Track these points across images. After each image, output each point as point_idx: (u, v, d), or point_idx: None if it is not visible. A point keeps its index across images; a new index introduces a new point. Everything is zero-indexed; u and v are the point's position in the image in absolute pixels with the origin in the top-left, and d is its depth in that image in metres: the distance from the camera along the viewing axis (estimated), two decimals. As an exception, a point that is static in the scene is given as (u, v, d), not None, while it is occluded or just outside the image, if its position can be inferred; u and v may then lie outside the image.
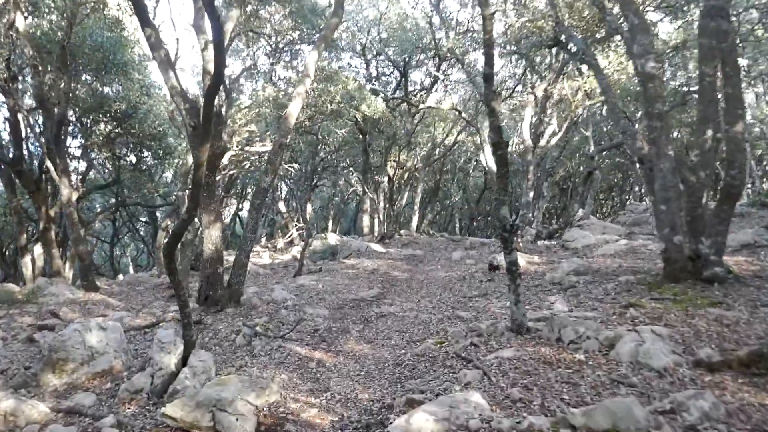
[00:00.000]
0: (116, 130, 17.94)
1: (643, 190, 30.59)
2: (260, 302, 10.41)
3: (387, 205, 25.19)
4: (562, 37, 11.75)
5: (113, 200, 25.87)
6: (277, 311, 9.77)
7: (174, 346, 6.32)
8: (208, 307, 10.10)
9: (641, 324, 6.37)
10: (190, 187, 6.17)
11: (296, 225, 25.55)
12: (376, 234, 24.27)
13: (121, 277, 20.22)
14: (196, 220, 21.90)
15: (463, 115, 15.31)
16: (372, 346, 7.89)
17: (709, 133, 8.30)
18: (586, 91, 15.07)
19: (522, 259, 12.17)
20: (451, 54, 17.81)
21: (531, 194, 15.00)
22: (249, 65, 17.69)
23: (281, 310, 9.85)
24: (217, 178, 19.60)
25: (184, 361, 6.21)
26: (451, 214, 42.02)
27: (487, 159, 14.49)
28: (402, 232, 27.33)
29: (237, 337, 8.26)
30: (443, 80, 21.88)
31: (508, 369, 5.49)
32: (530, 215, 15.29)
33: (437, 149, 27.98)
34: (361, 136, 24.50)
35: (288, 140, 10.90)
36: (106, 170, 24.59)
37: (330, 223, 37.93)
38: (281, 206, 26.61)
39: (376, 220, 25.67)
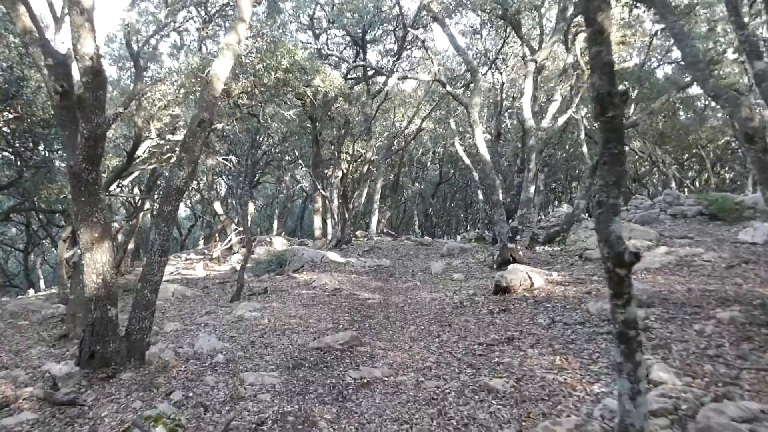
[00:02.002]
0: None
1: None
2: (175, 359, 6.90)
3: (342, 204, 21.78)
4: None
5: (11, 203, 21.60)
6: (200, 378, 6.30)
7: None
8: (94, 370, 6.54)
9: None
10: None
11: (235, 229, 21.86)
12: (329, 238, 20.86)
13: (6, 299, 16.17)
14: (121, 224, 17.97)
15: (448, 88, 12.12)
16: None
17: None
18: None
19: (537, 277, 9.05)
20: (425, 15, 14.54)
21: (532, 189, 11.91)
22: (165, 24, 13.94)
23: (206, 375, 6.38)
24: (132, 174, 15.83)
25: None
26: (407, 212, 38.90)
27: (479, 144, 11.28)
28: (359, 234, 24.04)
29: (123, 445, 4.81)
30: (410, 55, 18.49)
31: None
32: (532, 215, 12.19)
33: (397, 139, 24.73)
34: (310, 124, 20.99)
35: (213, 116, 7.39)
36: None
37: (275, 223, 34.26)
38: (217, 207, 22.81)
39: (329, 222, 22.24)
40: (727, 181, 30.34)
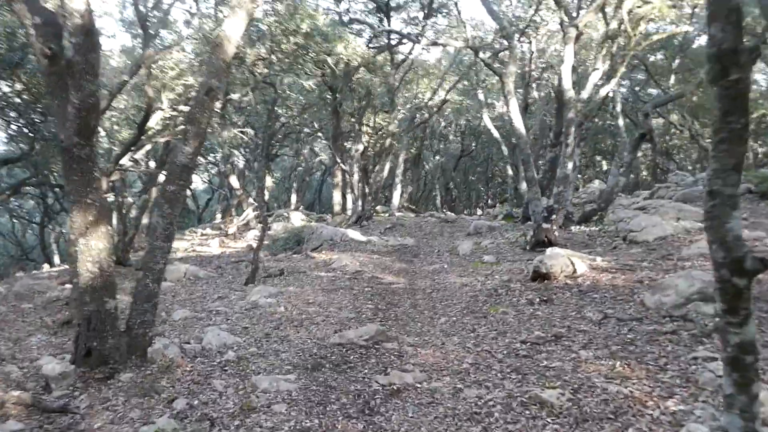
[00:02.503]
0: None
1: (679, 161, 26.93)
2: (181, 357, 6.20)
3: (362, 179, 20.95)
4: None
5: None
6: (207, 381, 5.58)
7: None
8: (91, 368, 5.87)
9: None
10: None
11: (252, 204, 21.17)
12: (349, 213, 20.08)
13: (20, 274, 15.69)
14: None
15: (481, 55, 11.19)
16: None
17: None
18: (652, 17, 11.01)
19: (580, 262, 8.21)
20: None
21: (570, 165, 10.97)
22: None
23: (214, 378, 5.66)
24: (146, 147, 15.11)
25: None
26: (427, 186, 37.94)
27: (514, 117, 10.36)
28: (380, 209, 23.27)
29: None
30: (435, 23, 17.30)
31: None
32: (568, 194, 11.25)
33: (420, 111, 23.72)
34: (330, 95, 20.08)
35: (223, 84, 6.56)
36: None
37: (293, 196, 33.57)
38: (233, 181, 22.05)
39: (349, 197, 21.44)
40: (760, 155, 28.95)
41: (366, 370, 5.77)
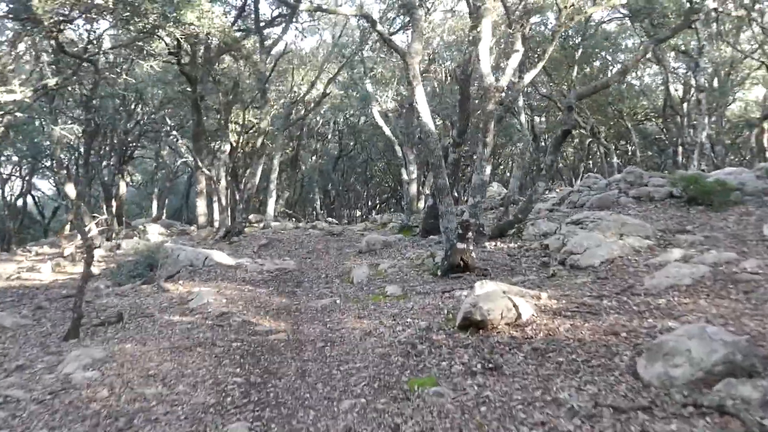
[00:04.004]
0: None
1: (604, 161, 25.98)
2: None
3: (231, 185, 18.01)
4: None
5: None
6: None
7: None
8: None
9: None
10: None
11: (96, 218, 17.58)
12: (216, 226, 17.09)
13: None
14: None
15: (379, 28, 8.85)
16: None
17: None
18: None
19: (524, 303, 6.12)
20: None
21: (488, 170, 8.92)
22: None
23: None
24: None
25: None
26: (305, 188, 35.22)
27: (421, 108, 8.14)
28: (253, 219, 20.44)
29: None
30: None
31: None
32: (481, 203, 9.16)
33: (296, 107, 21.08)
34: (189, 87, 16.97)
35: None
36: None
37: (154, 204, 29.73)
38: (69, 190, 18.08)
39: (216, 206, 18.40)
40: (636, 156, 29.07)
41: None
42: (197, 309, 8.78)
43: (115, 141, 25.61)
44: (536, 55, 10.55)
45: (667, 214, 10.64)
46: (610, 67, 21.08)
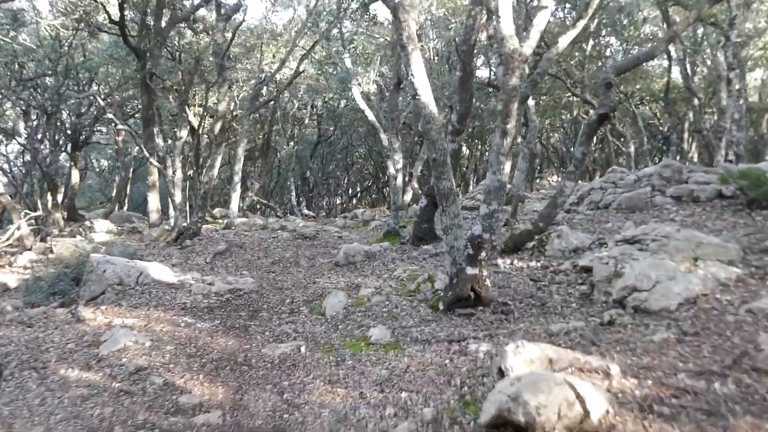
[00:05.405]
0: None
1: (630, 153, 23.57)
2: None
3: (191, 176, 15.50)
4: None
5: None
6: None
7: None
8: None
9: None
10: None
11: (27, 214, 14.95)
12: (169, 227, 14.56)
13: None
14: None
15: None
16: None
17: None
18: None
19: (589, 389, 3.70)
20: None
21: (507, 166, 6.54)
22: None
23: None
24: None
25: None
26: (281, 174, 32.55)
27: (418, 83, 5.74)
28: (217, 214, 17.97)
29: None
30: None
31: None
32: (498, 213, 6.71)
33: (266, 87, 18.52)
34: (136, 59, 14.35)
35: None
36: None
37: (114, 198, 26.95)
38: None
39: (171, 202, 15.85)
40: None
41: None
42: (108, 358, 6.36)
43: (67, 125, 22.91)
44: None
45: (725, 221, 8.37)
46: (623, 45, 18.77)
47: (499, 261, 8.08)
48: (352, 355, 5.87)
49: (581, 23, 7.47)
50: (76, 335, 7.37)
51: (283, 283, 9.27)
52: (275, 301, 8.33)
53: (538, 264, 7.77)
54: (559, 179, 28.03)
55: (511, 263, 8.04)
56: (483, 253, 6.43)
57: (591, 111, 10.92)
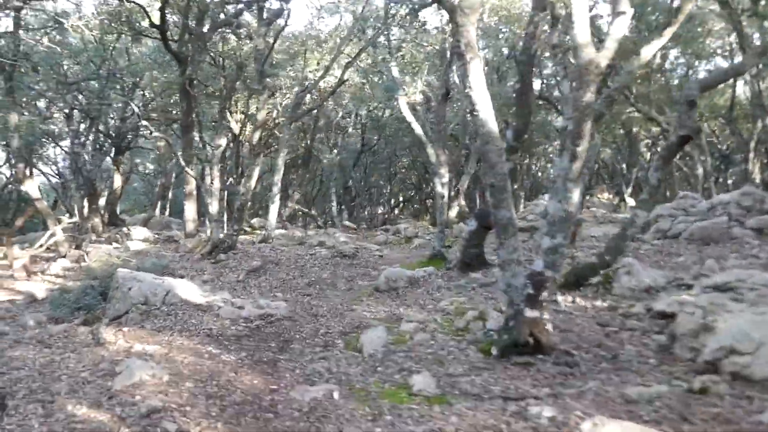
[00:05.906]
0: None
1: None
2: None
3: (231, 184, 14.99)
4: None
5: None
6: None
7: None
8: None
9: None
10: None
11: (64, 221, 14.69)
12: (204, 238, 14.07)
13: None
14: None
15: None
16: None
17: None
18: None
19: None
20: None
21: (576, 194, 5.67)
22: None
23: None
24: None
25: None
26: (323, 182, 32.00)
27: (476, 97, 4.99)
28: (256, 223, 17.46)
29: None
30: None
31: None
32: (563, 247, 5.83)
33: (310, 95, 17.99)
34: (177, 64, 13.96)
35: None
36: None
37: (158, 204, 26.94)
38: (31, 188, 14.91)
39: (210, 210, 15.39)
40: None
41: None
42: (121, 394, 5.73)
43: (110, 129, 22.90)
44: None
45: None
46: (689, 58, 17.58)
47: (559, 298, 7.21)
48: (391, 408, 5.10)
49: (669, 31, 6.57)
50: (93, 362, 6.81)
51: (318, 309, 8.57)
52: (308, 331, 7.62)
53: (605, 304, 6.88)
54: (610, 196, 26.74)
55: (573, 301, 7.16)
56: (545, 293, 5.59)
57: (657, 128, 9.89)
